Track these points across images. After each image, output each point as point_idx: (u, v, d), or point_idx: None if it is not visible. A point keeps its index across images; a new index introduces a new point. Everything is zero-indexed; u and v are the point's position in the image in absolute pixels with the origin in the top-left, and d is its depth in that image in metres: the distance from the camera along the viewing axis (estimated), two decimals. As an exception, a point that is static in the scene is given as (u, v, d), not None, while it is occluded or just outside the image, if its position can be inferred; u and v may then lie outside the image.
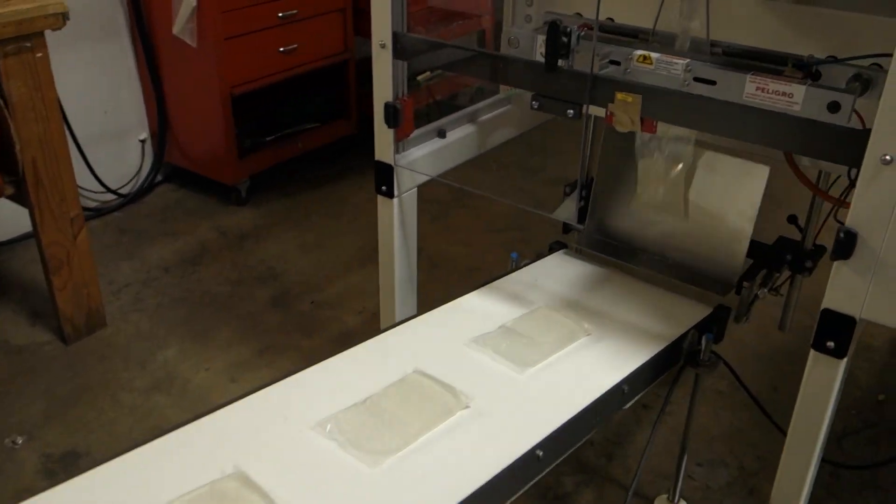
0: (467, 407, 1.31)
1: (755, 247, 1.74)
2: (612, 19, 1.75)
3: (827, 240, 1.76)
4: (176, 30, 2.91)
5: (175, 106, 3.17)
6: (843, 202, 1.47)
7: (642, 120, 1.34)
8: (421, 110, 3.35)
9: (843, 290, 1.21)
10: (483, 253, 2.92)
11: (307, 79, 3.28)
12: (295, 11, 3.09)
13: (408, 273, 1.86)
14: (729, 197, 1.67)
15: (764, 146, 1.27)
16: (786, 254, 1.77)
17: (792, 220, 1.82)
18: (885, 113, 1.09)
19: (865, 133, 1.13)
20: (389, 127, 1.66)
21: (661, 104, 1.33)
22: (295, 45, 3.14)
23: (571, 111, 1.40)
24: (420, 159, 1.76)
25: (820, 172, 1.62)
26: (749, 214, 1.65)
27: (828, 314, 1.23)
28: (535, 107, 1.44)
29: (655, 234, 1.79)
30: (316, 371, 1.43)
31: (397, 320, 1.89)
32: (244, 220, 3.13)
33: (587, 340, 1.53)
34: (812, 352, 1.28)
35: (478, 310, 1.62)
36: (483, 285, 1.72)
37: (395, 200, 1.74)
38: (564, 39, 1.33)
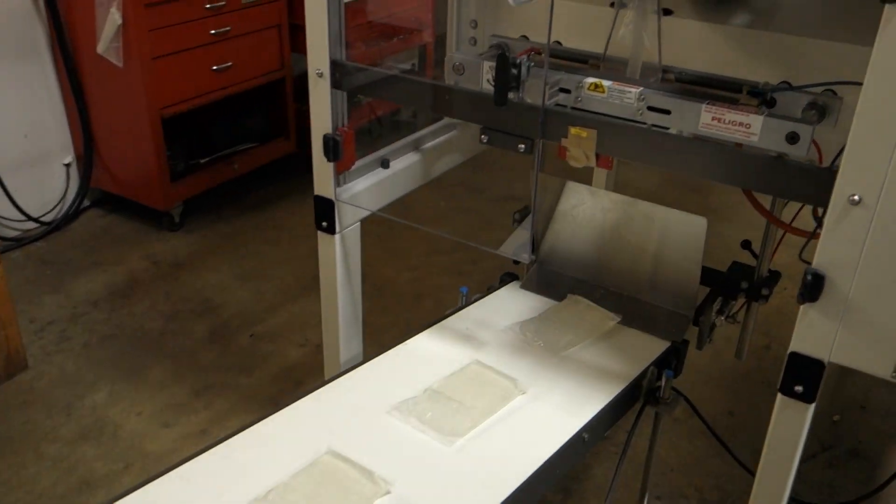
0: (388, 493, 1.16)
1: (710, 274, 1.70)
2: (559, 43, 1.68)
3: (781, 263, 1.74)
4: (100, 49, 2.75)
5: (102, 128, 3.01)
6: (815, 235, 1.42)
7: (597, 156, 1.26)
8: (363, 128, 3.26)
9: (811, 333, 1.15)
10: (430, 277, 2.83)
11: (243, 97, 3.15)
12: (228, 28, 2.96)
13: (352, 311, 1.76)
14: (671, 246, 1.64)
15: (726, 184, 1.21)
16: (741, 281, 1.73)
17: (746, 245, 1.77)
18: (852, 151, 1.04)
19: (831, 172, 1.07)
20: (329, 160, 1.56)
21: (617, 139, 1.26)
22: (229, 63, 3.01)
23: (523, 146, 1.32)
24: (363, 192, 1.66)
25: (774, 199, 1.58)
26: (694, 259, 1.62)
27: (795, 358, 1.17)
28: (484, 141, 1.36)
29: (607, 272, 1.74)
30: (218, 454, 1.24)
31: (342, 360, 1.79)
32: (178, 247, 2.99)
33: (531, 394, 1.41)
34: (780, 396, 1.22)
35: (422, 356, 1.52)
36: (430, 325, 1.63)
37: (337, 237, 1.64)
38: (514, 71, 1.25)
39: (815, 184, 1.11)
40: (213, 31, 2.91)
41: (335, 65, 1.48)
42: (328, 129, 1.54)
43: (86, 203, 3.21)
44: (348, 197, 1.63)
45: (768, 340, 2.48)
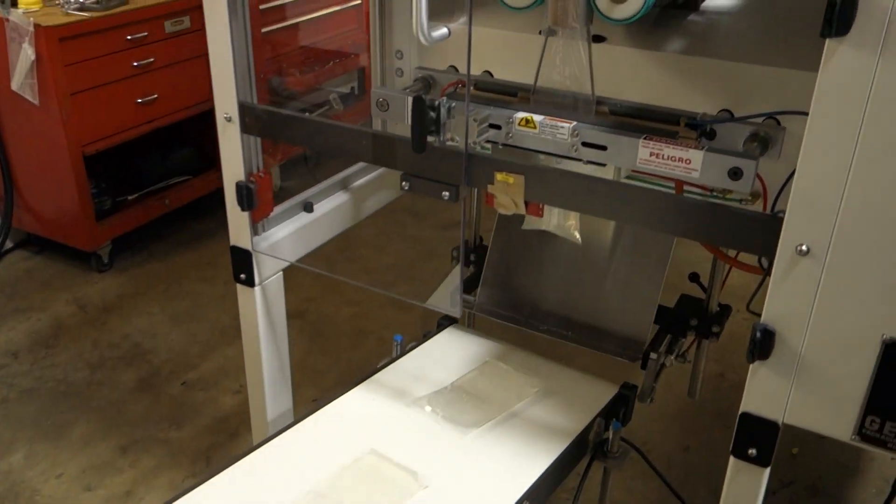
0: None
1: (658, 311, 1.61)
2: (489, 72, 1.58)
3: (733, 284, 1.66)
4: (14, 85, 2.59)
5: (21, 167, 2.84)
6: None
7: (527, 203, 1.16)
8: (297, 157, 3.14)
9: (763, 392, 1.06)
10: (373, 312, 2.71)
11: (171, 129, 3.01)
12: (152, 60, 2.82)
13: (278, 366, 1.64)
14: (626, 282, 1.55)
15: (663, 233, 1.11)
16: (690, 318, 1.65)
17: (694, 278, 1.69)
18: (797, 198, 0.95)
19: (776, 219, 0.98)
20: (243, 210, 1.43)
21: (546, 185, 1.16)
22: (154, 96, 2.87)
23: (447, 193, 1.22)
24: (284, 239, 1.55)
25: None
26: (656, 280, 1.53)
27: (748, 419, 1.08)
28: (406, 188, 1.25)
29: (558, 297, 1.64)
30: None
31: (269, 418, 1.67)
32: (107, 289, 2.83)
33: (434, 487, 1.25)
34: (732, 459, 1.12)
35: (349, 419, 1.40)
36: (363, 380, 1.51)
37: (257, 289, 1.52)
38: (433, 115, 1.15)
39: (760, 233, 1.02)
40: (135, 63, 2.76)
41: (244, 108, 1.36)
42: (240, 176, 1.42)
43: (9, 244, 3.03)
44: (267, 246, 1.51)
45: (721, 368, 2.40)
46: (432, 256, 2.96)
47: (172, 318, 2.66)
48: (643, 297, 1.61)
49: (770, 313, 1.02)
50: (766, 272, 1.06)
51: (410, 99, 1.45)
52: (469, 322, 1.80)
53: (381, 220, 3.14)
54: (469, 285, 1.79)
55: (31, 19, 2.49)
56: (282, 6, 3.19)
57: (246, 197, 1.41)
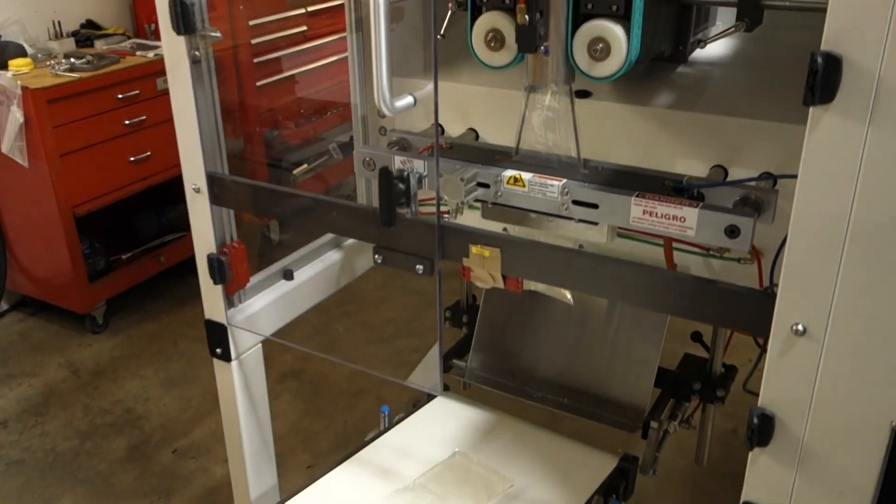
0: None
1: (659, 373, 1.53)
2: (474, 130, 1.52)
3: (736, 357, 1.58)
4: (4, 148, 2.57)
5: (13, 228, 2.81)
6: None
7: (505, 277, 1.09)
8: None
9: (764, 482, 0.97)
10: (371, 369, 2.63)
11: (166, 186, 2.97)
12: (144, 117, 2.79)
13: (261, 442, 1.56)
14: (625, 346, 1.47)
15: (650, 310, 1.03)
16: (693, 381, 1.56)
17: (696, 337, 1.62)
18: (790, 274, 0.87)
19: (769, 297, 0.91)
20: (216, 283, 1.37)
21: (525, 259, 1.09)
22: (148, 153, 2.84)
23: (421, 267, 1.15)
24: (263, 310, 1.48)
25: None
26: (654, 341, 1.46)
27: (750, 510, 0.99)
28: (378, 261, 1.18)
29: (552, 361, 1.56)
30: None
31: (252, 497, 1.59)
32: (100, 351, 2.77)
33: None
34: (736, 552, 1.03)
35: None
36: (347, 458, 1.43)
37: (234, 364, 1.45)
38: (401, 186, 1.08)
39: (752, 311, 0.94)
40: (127, 122, 2.73)
41: (213, 179, 1.31)
42: (212, 248, 1.36)
43: (4, 306, 2.99)
44: (244, 319, 1.44)
45: (734, 423, 2.30)
46: (433, 308, 2.89)
47: (166, 381, 2.60)
48: (642, 359, 1.53)
49: (768, 396, 0.93)
50: (763, 349, 0.98)
51: (397, 157, 1.40)
52: (463, 383, 1.72)
53: (380, 272, 3.08)
54: (461, 349, 1.72)
55: (19, 82, 2.46)
56: (277, 59, 3.17)
57: (218, 270, 1.35)
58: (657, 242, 1.29)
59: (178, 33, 1.23)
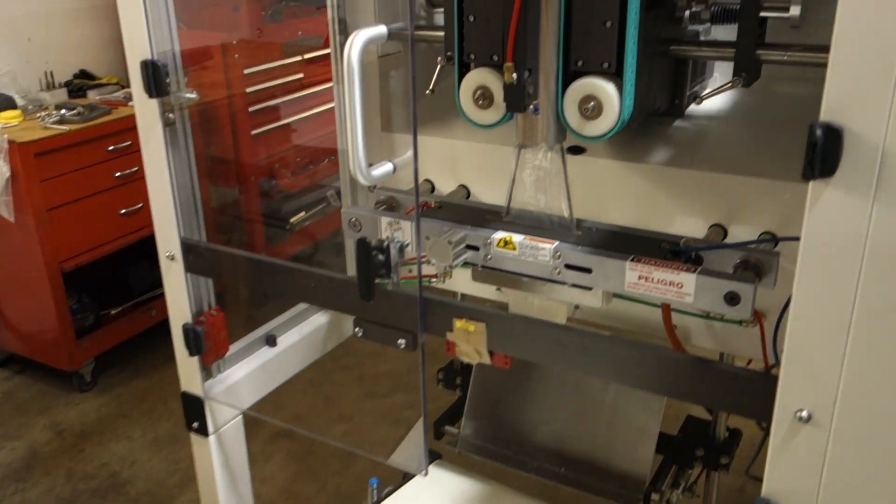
0: None
1: (660, 438, 1.46)
2: (466, 187, 1.47)
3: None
4: (-10, 203, 2.52)
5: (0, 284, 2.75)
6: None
7: (491, 353, 1.03)
8: (302, 253, 3.04)
9: (771, 579, 0.89)
10: (365, 428, 2.55)
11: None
12: (135, 169, 2.74)
13: (242, 519, 1.48)
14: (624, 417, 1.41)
15: (643, 391, 0.97)
16: (696, 447, 1.49)
17: (698, 401, 1.54)
18: (792, 358, 0.81)
19: (770, 380, 0.84)
20: (191, 355, 1.31)
21: (511, 335, 1.03)
22: (139, 205, 2.79)
23: (403, 341, 1.08)
24: (243, 380, 1.42)
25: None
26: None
27: None
28: (359, 335, 1.12)
29: (548, 428, 1.49)
30: None
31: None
32: (87, 411, 2.69)
33: None
34: None
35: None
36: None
37: (212, 438, 1.38)
38: (381, 257, 1.02)
39: (753, 395, 0.88)
40: (117, 174, 2.69)
41: (188, 246, 1.25)
42: (187, 318, 1.30)
43: (-11, 364, 2.93)
44: (223, 390, 1.38)
45: (742, 481, 2.21)
46: (433, 360, 2.82)
47: (153, 443, 2.52)
48: (641, 426, 1.46)
49: (771, 487, 0.86)
50: (766, 433, 0.91)
51: (384, 218, 1.34)
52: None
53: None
54: (454, 414, 1.65)
55: (6, 135, 2.43)
56: (275, 107, 3.14)
57: (193, 341, 1.29)
58: (656, 304, 1.23)
59: (151, 96, 1.18)
